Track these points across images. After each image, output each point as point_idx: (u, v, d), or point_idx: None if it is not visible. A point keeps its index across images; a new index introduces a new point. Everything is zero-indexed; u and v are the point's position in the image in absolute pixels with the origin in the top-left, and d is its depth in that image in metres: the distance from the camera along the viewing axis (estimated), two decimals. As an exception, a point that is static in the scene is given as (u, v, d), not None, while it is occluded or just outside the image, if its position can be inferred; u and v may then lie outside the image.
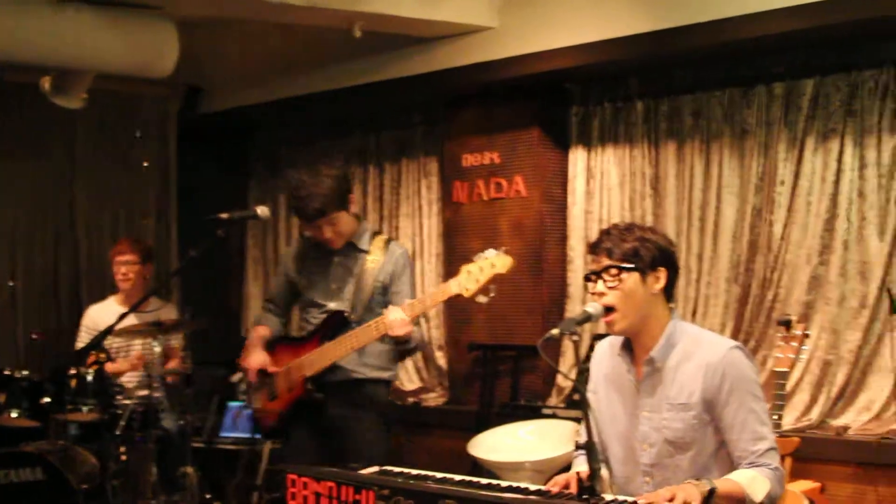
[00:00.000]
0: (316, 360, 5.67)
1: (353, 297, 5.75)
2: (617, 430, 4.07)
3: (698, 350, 3.96)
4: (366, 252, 5.77)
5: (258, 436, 7.80)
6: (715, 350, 3.94)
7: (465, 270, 5.23)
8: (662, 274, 4.00)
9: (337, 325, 5.69)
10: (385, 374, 5.85)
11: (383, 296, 5.74)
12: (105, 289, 8.00)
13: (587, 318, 3.89)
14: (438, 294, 5.42)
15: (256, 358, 5.85)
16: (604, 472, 3.57)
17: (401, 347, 5.61)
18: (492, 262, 5.18)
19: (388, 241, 5.87)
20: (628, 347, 4.10)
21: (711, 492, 3.65)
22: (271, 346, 5.94)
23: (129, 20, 7.59)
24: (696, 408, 3.91)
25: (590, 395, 4.08)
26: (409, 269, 5.86)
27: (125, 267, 7.72)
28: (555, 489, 3.90)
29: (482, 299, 5.27)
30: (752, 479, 3.78)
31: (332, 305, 5.79)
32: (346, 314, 5.71)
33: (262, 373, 5.85)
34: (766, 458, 3.85)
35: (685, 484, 3.69)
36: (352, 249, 5.79)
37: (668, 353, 3.98)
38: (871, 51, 6.69)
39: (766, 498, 3.79)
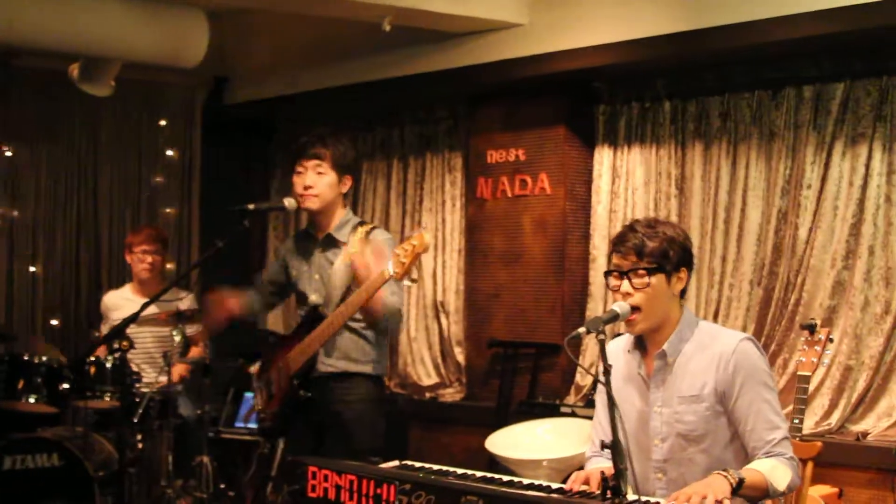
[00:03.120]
0: (298, 355, 5.65)
1: (327, 289, 5.71)
2: (629, 426, 4.06)
3: (709, 343, 3.98)
4: (344, 244, 5.69)
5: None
6: (726, 342, 3.95)
7: (394, 254, 5.19)
8: (685, 275, 4.00)
9: (314, 319, 5.65)
10: (369, 369, 5.72)
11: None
12: (126, 275, 8.00)
13: (614, 317, 3.88)
14: (376, 280, 5.28)
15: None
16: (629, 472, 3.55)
17: (373, 324, 5.58)
18: (413, 243, 5.11)
19: (370, 231, 5.74)
20: (639, 343, 4.09)
21: (741, 482, 3.66)
22: (272, 348, 5.93)
23: (160, 9, 7.63)
24: (708, 399, 3.91)
25: (601, 394, 4.08)
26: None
27: (151, 257, 7.73)
28: (575, 486, 3.88)
29: (408, 282, 5.24)
30: (774, 468, 3.80)
31: (313, 298, 5.76)
32: (319, 308, 5.67)
33: (260, 374, 5.88)
34: (781, 447, 3.86)
35: (714, 476, 3.70)
36: (331, 241, 5.74)
37: (680, 347, 3.99)
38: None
39: (787, 488, 3.80)
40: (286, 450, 5.97)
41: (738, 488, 3.65)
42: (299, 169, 5.68)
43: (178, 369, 7.48)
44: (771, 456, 3.83)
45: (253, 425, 8.07)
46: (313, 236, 5.83)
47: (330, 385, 5.65)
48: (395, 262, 5.15)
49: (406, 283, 5.25)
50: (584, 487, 3.89)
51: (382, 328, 5.68)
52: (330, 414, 5.66)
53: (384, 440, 5.72)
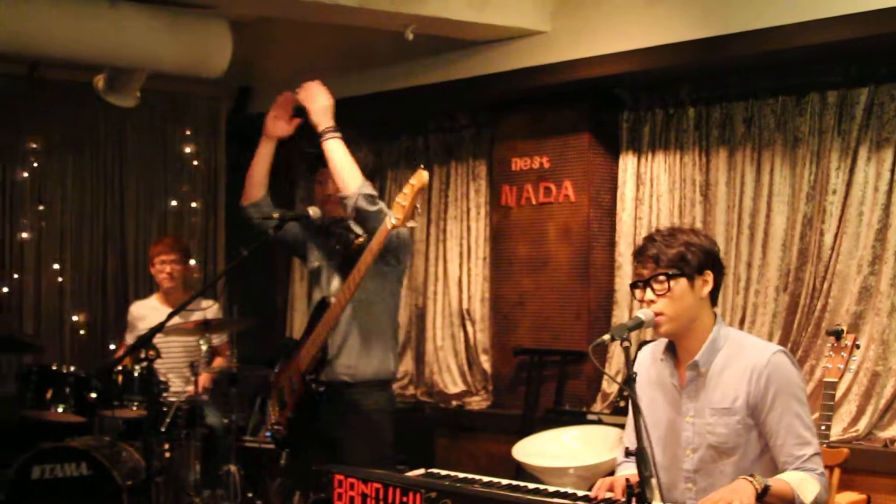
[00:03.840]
0: (308, 350, 5.57)
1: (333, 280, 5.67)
2: (659, 435, 4.06)
3: (742, 354, 3.95)
4: (358, 235, 5.61)
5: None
6: (759, 354, 3.93)
7: (394, 204, 5.14)
8: (710, 277, 3.99)
9: (321, 311, 5.58)
10: (379, 376, 5.64)
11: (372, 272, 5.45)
12: (153, 285, 8.05)
13: (639, 324, 3.88)
14: (379, 234, 5.22)
15: None
16: (654, 480, 3.54)
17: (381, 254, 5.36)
18: (411, 184, 5.08)
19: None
20: (671, 352, 4.08)
21: (766, 489, 3.65)
22: (286, 356, 5.86)
23: (184, 20, 7.65)
24: (740, 412, 3.89)
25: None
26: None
27: (170, 266, 7.78)
28: (601, 494, 3.88)
29: (413, 224, 5.19)
30: (802, 481, 3.78)
31: (325, 291, 5.69)
32: (326, 299, 5.60)
33: (274, 385, 5.84)
34: (812, 462, 3.84)
35: (739, 481, 3.70)
36: (346, 231, 5.68)
37: (712, 357, 3.97)
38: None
39: (813, 502, 3.78)
40: (293, 457, 5.93)
41: (763, 495, 3.65)
42: (319, 178, 5.66)
43: (204, 379, 7.51)
44: (801, 471, 3.82)
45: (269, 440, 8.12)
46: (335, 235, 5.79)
47: (338, 395, 5.57)
48: (395, 209, 5.11)
49: (411, 224, 5.19)
50: (609, 495, 3.89)
51: (393, 252, 5.48)
52: (337, 426, 5.58)
53: (394, 450, 5.64)
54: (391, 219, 5.14)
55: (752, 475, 3.70)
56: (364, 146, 5.72)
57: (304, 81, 5.75)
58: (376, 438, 5.59)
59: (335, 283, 5.66)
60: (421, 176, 5.13)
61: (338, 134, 5.51)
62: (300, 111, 5.80)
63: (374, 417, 5.61)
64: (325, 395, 5.56)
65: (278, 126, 5.88)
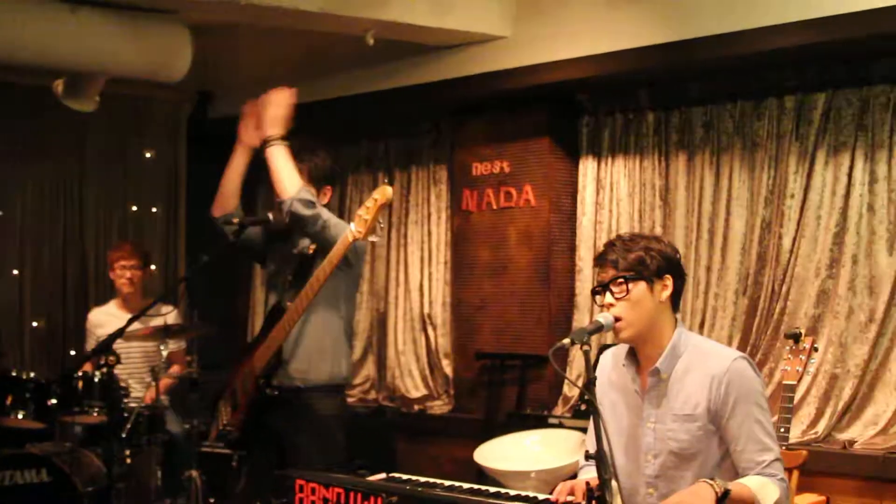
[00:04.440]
0: (263, 353, 5.59)
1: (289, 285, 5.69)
2: (621, 440, 4.07)
3: (703, 361, 3.96)
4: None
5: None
6: (720, 361, 3.93)
7: (356, 216, 5.20)
8: (669, 282, 3.99)
9: (276, 315, 5.61)
10: (332, 380, 5.67)
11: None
12: (113, 290, 8.01)
13: (599, 327, 3.89)
14: (339, 246, 5.30)
15: None
16: (614, 483, 3.56)
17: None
18: (374, 198, 5.15)
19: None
20: (633, 357, 4.09)
21: (726, 493, 3.67)
22: (236, 358, 5.90)
23: (143, 24, 7.62)
24: (701, 419, 3.90)
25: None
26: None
27: (129, 272, 7.77)
28: (562, 498, 3.90)
29: (375, 238, 5.28)
30: (763, 486, 3.79)
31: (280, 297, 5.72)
32: (281, 303, 5.64)
33: (224, 388, 5.85)
34: (772, 468, 3.85)
35: (699, 484, 3.71)
36: (301, 237, 5.71)
37: (673, 363, 3.98)
38: (883, 66, 6.70)
39: None
40: (250, 462, 5.92)
41: (723, 498, 3.66)
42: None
43: (163, 384, 7.48)
44: (762, 476, 3.84)
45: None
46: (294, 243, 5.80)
47: (289, 400, 5.59)
48: (357, 222, 5.16)
49: (372, 238, 5.26)
50: (570, 498, 3.89)
51: (350, 264, 5.53)
52: (289, 430, 5.61)
53: (346, 455, 5.60)
54: (352, 231, 5.19)
55: (712, 478, 3.72)
56: (321, 152, 5.76)
57: (264, 86, 5.79)
58: (328, 443, 5.60)
59: (290, 287, 5.67)
60: (384, 191, 5.18)
61: (281, 143, 5.59)
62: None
63: (325, 422, 5.64)
64: (278, 398, 5.58)
65: (252, 135, 5.92)
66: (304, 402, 5.59)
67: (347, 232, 5.24)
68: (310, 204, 5.43)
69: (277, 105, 5.68)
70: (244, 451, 5.88)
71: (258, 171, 9.41)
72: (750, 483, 3.79)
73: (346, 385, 5.86)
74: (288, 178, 5.51)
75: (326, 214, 5.49)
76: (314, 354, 5.61)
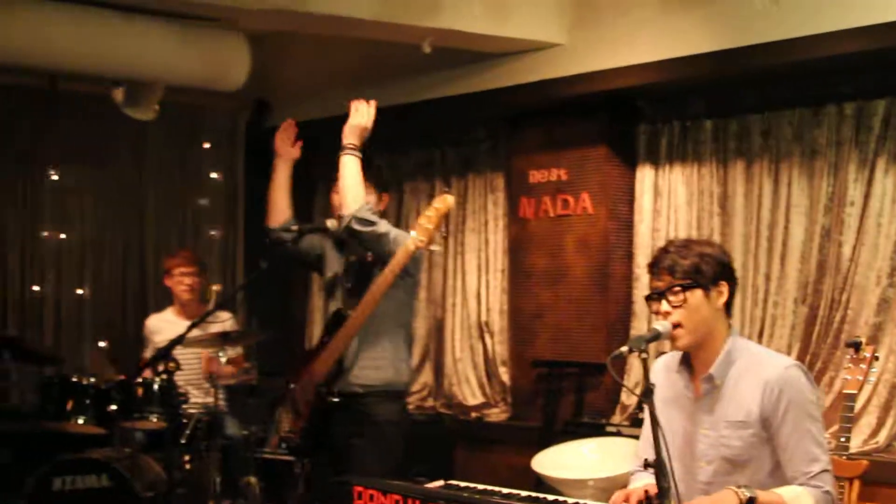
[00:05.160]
0: (324, 362, 5.65)
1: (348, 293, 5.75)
2: (675, 447, 4.06)
3: (757, 367, 3.95)
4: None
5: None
6: (773, 368, 3.92)
7: (418, 225, 5.31)
8: (724, 288, 3.99)
9: (337, 323, 5.66)
10: (392, 386, 5.72)
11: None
12: (171, 298, 8.08)
13: (657, 335, 3.89)
14: (400, 254, 5.38)
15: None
16: (673, 489, 3.55)
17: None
18: (435, 207, 5.27)
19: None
20: (686, 364, 4.09)
21: (750, 501, 3.65)
22: (297, 366, 5.96)
23: (201, 33, 7.70)
24: (754, 426, 3.89)
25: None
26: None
27: (189, 279, 7.83)
28: (619, 508, 3.90)
29: (436, 247, 5.38)
30: (797, 497, 3.76)
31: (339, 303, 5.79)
32: (342, 311, 5.68)
33: (286, 395, 5.90)
34: (819, 479, 3.82)
35: (724, 491, 3.71)
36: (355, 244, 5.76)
37: (727, 370, 3.97)
38: (944, 72, 6.65)
39: None
40: (312, 469, 5.96)
41: None
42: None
43: (227, 370, 7.50)
44: (806, 487, 3.81)
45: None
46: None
47: (350, 405, 5.65)
48: (418, 231, 5.25)
49: (433, 248, 5.36)
50: (627, 507, 3.90)
51: (408, 272, 5.59)
52: (349, 436, 5.65)
53: (404, 461, 5.66)
54: (414, 240, 5.26)
55: (738, 486, 3.70)
56: (377, 159, 5.84)
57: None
58: (386, 449, 5.64)
59: (349, 295, 5.73)
60: (445, 200, 5.27)
61: (356, 154, 5.65)
62: (302, 134, 6.05)
63: (385, 428, 5.68)
64: (339, 405, 5.63)
65: (286, 148, 6.16)
66: (365, 408, 5.64)
67: (409, 241, 5.31)
68: (367, 222, 5.49)
69: (360, 115, 5.77)
70: (306, 458, 5.91)
71: (315, 180, 9.50)
72: (784, 492, 3.77)
73: (406, 392, 5.89)
74: (352, 192, 5.57)
75: (384, 228, 5.55)
76: (375, 361, 5.66)
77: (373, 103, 5.82)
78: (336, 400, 5.63)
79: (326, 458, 5.79)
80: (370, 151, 5.80)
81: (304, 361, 5.93)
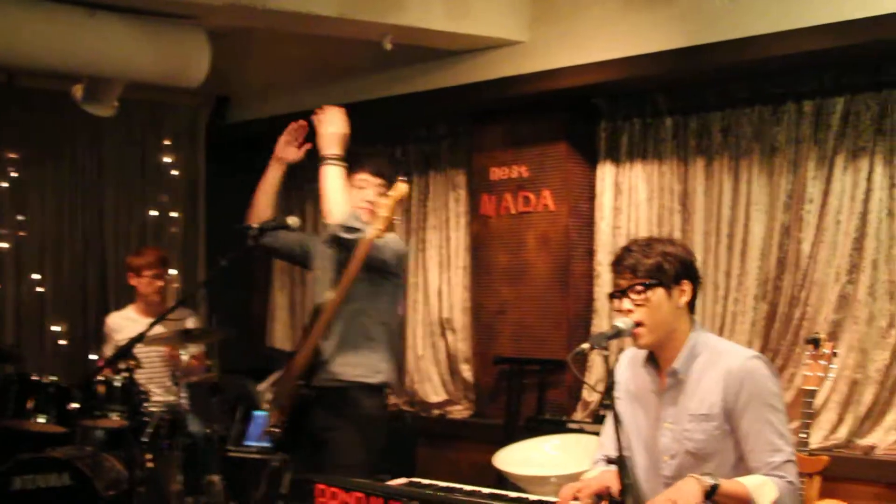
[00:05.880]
0: (303, 355, 5.67)
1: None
2: (639, 442, 4.09)
3: (719, 359, 3.98)
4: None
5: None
6: (735, 359, 3.96)
7: (375, 218, 5.38)
8: (687, 287, 4.02)
9: (316, 317, 5.69)
10: (371, 379, 5.74)
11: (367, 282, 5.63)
12: (132, 295, 8.04)
13: (618, 333, 3.91)
14: (361, 246, 5.41)
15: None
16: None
17: (370, 265, 5.52)
18: (389, 195, 5.34)
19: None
20: (652, 359, 4.11)
21: (714, 488, 3.67)
22: (284, 365, 5.97)
23: (161, 29, 7.66)
24: (717, 418, 3.92)
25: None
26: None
27: (160, 281, 7.81)
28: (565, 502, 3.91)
29: (391, 235, 5.47)
30: (761, 485, 3.78)
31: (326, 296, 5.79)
32: (320, 306, 5.69)
33: (275, 393, 5.93)
34: (782, 470, 3.84)
35: (686, 479, 3.72)
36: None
37: (691, 364, 4.00)
38: (902, 70, 6.69)
39: None
40: (291, 464, 5.99)
41: (711, 493, 3.66)
42: (361, 183, 5.77)
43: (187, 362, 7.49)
44: (770, 476, 3.83)
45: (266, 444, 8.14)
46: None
47: (330, 398, 5.67)
48: (375, 220, 5.32)
49: (389, 235, 5.45)
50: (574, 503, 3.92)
51: (378, 263, 5.60)
52: (328, 430, 5.68)
53: (380, 456, 5.71)
54: (372, 231, 5.30)
55: (701, 473, 3.72)
56: (380, 151, 5.89)
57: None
58: (365, 443, 5.67)
59: (332, 288, 5.73)
60: (399, 187, 5.31)
61: (339, 163, 5.66)
62: (310, 137, 5.97)
63: (363, 422, 5.70)
64: (315, 399, 5.65)
65: (289, 150, 6.10)
66: (343, 402, 5.67)
67: (368, 231, 5.36)
68: (353, 230, 5.49)
69: (332, 123, 5.75)
70: (287, 452, 5.94)
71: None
72: (747, 481, 3.78)
73: (385, 387, 5.88)
74: (336, 201, 5.59)
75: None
76: (352, 356, 5.69)
77: (341, 109, 5.80)
78: (312, 394, 5.65)
79: (306, 452, 5.81)
80: (368, 145, 5.83)
81: (291, 356, 5.96)
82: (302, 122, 6.06)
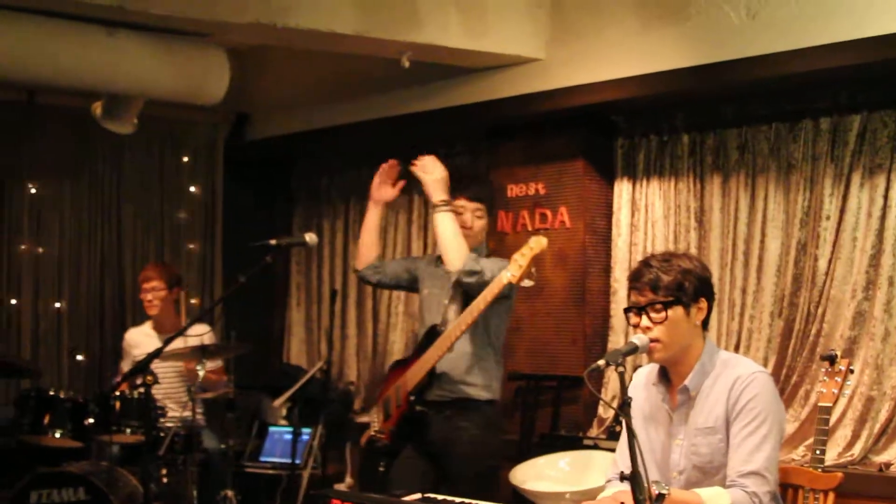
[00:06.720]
0: (416, 372, 5.85)
1: (445, 309, 5.96)
2: (652, 459, 4.09)
3: (727, 371, 4.00)
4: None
5: (298, 461, 7.88)
6: (743, 369, 3.98)
7: (512, 260, 5.50)
8: (704, 304, 4.03)
9: (432, 337, 5.87)
10: (486, 394, 5.93)
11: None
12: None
13: (633, 349, 3.91)
14: (494, 285, 5.57)
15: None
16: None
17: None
18: (530, 247, 5.43)
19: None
20: (664, 377, 4.11)
21: (660, 496, 3.64)
22: (392, 371, 6.23)
23: (181, 47, 7.70)
24: (720, 430, 3.94)
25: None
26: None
27: (150, 294, 7.84)
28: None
29: (528, 283, 5.59)
30: (716, 496, 3.78)
31: (436, 319, 6.00)
32: (437, 327, 5.89)
33: (379, 396, 6.17)
34: (746, 480, 3.84)
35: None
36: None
37: (702, 380, 4.01)
38: (919, 87, 6.69)
39: None
40: (391, 475, 6.08)
41: (657, 501, 3.64)
42: (459, 209, 5.97)
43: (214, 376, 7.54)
44: (732, 487, 3.82)
45: (283, 459, 8.14)
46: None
47: (444, 412, 5.87)
48: (512, 267, 5.46)
49: (526, 283, 5.58)
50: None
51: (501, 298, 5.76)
52: (444, 442, 5.86)
53: (500, 461, 6.08)
54: (507, 273, 5.48)
55: (653, 481, 3.70)
56: (479, 175, 6.01)
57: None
58: (479, 455, 5.88)
59: (447, 310, 5.95)
60: (540, 241, 5.48)
61: (448, 209, 5.85)
62: (405, 174, 6.21)
63: (480, 436, 5.90)
64: (428, 415, 5.88)
65: (383, 191, 6.33)
66: (461, 415, 5.88)
67: (503, 274, 5.51)
68: (473, 273, 5.74)
69: (431, 171, 5.94)
70: (389, 458, 6.07)
71: (294, 193, 9.51)
72: (702, 492, 3.78)
73: (494, 403, 6.06)
74: (454, 249, 5.81)
75: (489, 274, 5.72)
76: (464, 375, 5.89)
77: (433, 157, 6.02)
78: (424, 410, 5.88)
79: (418, 462, 5.97)
80: (467, 165, 5.96)
81: (397, 368, 6.17)
82: (392, 162, 6.29)
